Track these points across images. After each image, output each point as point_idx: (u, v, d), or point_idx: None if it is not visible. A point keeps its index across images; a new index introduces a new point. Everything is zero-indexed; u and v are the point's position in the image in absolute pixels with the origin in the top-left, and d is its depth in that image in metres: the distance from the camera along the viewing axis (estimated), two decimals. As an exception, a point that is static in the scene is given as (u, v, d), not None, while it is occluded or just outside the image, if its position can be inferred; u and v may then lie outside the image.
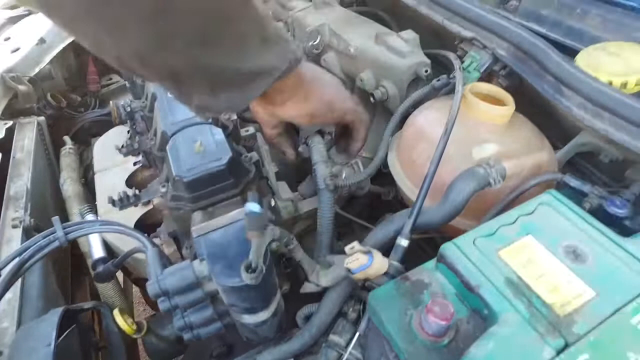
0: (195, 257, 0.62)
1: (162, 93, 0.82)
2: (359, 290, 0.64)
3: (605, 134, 0.57)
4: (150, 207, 0.95)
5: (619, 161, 0.63)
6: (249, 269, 0.53)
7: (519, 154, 0.62)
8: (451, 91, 0.74)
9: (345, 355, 0.57)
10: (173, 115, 0.76)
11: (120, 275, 1.14)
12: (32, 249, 0.69)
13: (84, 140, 1.31)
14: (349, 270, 0.49)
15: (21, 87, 1.15)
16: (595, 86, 0.57)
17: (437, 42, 0.84)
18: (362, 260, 0.47)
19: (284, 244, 0.63)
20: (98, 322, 0.92)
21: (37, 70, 1.24)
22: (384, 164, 0.78)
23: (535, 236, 0.50)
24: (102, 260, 0.87)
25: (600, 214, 0.56)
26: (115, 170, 1.01)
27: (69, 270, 1.10)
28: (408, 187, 0.69)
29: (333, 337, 0.61)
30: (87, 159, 1.21)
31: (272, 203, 0.66)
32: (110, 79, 1.53)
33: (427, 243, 0.79)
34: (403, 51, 0.79)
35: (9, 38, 1.31)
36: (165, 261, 0.71)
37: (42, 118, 1.18)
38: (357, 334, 0.56)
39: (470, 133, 0.64)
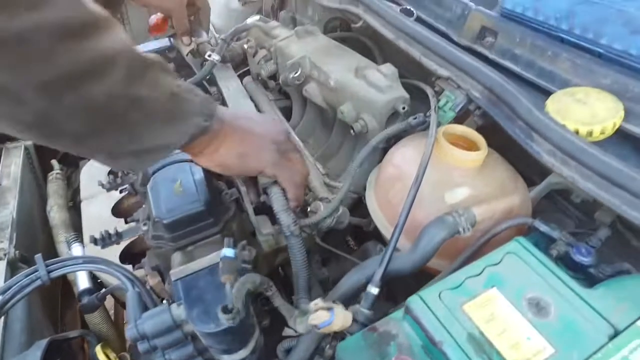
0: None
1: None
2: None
3: (572, 181, 0.58)
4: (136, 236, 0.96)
5: (589, 202, 0.64)
6: (226, 310, 0.55)
7: (491, 197, 0.63)
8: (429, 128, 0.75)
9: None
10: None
11: (110, 298, 1.16)
12: (13, 288, 0.70)
13: (73, 162, 1.31)
14: (315, 326, 0.51)
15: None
16: (563, 134, 0.58)
17: (419, 71, 0.85)
18: (323, 317, 0.48)
19: (263, 289, 0.65)
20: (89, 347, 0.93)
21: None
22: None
23: (501, 288, 0.51)
24: (88, 292, 0.88)
25: (568, 260, 0.57)
26: (102, 198, 1.02)
27: (59, 293, 1.11)
28: (384, 226, 0.71)
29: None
30: (76, 182, 1.22)
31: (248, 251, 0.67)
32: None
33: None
34: (381, 86, 0.80)
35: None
36: (150, 297, 0.72)
37: (29, 142, 1.19)
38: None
39: (444, 176, 0.65)
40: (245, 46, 1.09)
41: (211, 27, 1.56)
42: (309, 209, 0.77)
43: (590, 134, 0.59)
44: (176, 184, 0.71)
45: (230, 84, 1.08)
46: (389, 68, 0.83)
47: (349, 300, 0.61)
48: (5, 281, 0.83)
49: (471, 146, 0.70)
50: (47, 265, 0.72)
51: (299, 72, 0.90)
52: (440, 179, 0.65)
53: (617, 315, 0.48)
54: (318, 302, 0.51)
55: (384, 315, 0.66)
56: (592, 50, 0.64)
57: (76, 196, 1.19)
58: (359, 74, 0.85)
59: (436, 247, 0.57)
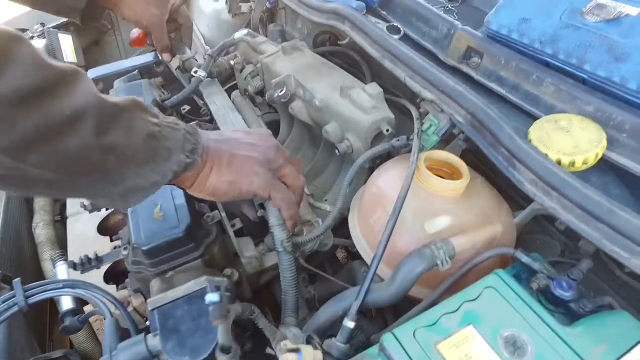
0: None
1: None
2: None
3: (553, 212, 0.57)
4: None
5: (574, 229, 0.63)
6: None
7: (473, 225, 0.62)
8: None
9: None
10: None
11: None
12: (-10, 315, 0.69)
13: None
14: (285, 367, 0.50)
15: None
16: (545, 164, 0.57)
17: (406, 89, 0.83)
18: (291, 359, 0.47)
19: (247, 316, 0.64)
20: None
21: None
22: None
23: (477, 326, 0.50)
24: (70, 312, 0.87)
25: (549, 293, 0.56)
26: (87, 215, 1.01)
27: (47, 309, 1.10)
28: (366, 252, 0.70)
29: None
30: (64, 196, 1.21)
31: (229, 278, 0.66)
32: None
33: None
34: (366, 107, 0.79)
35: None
36: (132, 321, 0.71)
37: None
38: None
39: (425, 204, 0.64)
40: (232, 62, 1.08)
41: (201, 39, 1.55)
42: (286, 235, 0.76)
43: (572, 164, 0.57)
44: (156, 209, 0.70)
45: (217, 99, 1.07)
46: (374, 88, 0.82)
47: (326, 331, 0.60)
48: (-14, 302, 0.82)
49: (454, 172, 0.69)
50: (25, 290, 0.71)
51: (284, 91, 0.88)
52: (422, 206, 0.64)
53: (595, 357, 0.47)
54: (287, 342, 0.50)
55: (368, 337, 0.65)
56: (576, 75, 0.63)
57: (64, 210, 1.18)
58: (344, 94, 0.84)
59: (414, 280, 0.56)
